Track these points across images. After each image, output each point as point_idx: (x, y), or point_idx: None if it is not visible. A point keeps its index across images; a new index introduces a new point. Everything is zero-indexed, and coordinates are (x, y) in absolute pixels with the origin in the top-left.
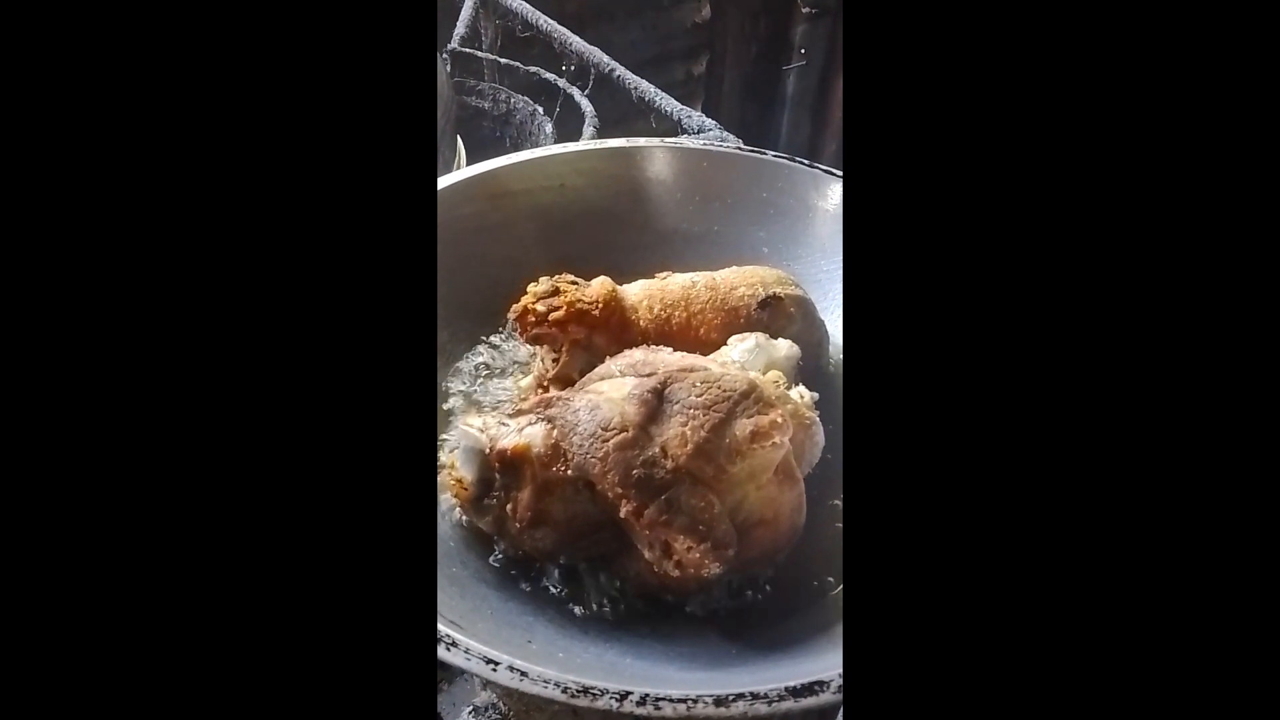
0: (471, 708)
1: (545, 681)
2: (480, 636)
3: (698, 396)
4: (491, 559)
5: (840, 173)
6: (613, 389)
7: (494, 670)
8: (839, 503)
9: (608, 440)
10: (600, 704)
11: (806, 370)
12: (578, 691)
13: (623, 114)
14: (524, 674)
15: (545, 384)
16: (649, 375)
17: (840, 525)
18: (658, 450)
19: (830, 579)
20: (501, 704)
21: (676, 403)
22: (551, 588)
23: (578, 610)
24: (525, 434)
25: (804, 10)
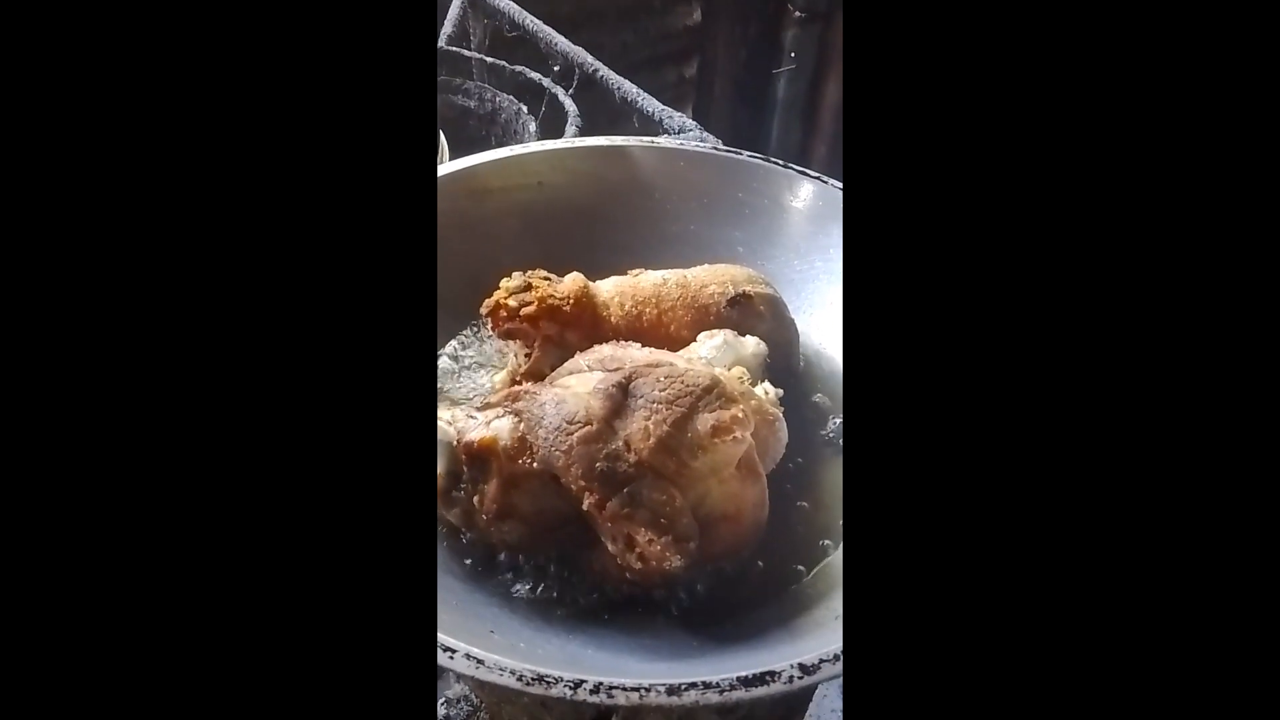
0: (444, 699)
1: (500, 669)
2: (444, 626)
3: (661, 391)
4: (458, 552)
5: (813, 173)
6: (579, 383)
7: (450, 658)
8: (806, 505)
9: (572, 434)
10: (555, 691)
11: (776, 368)
12: (533, 679)
13: (608, 114)
14: (480, 661)
15: (517, 380)
16: (615, 370)
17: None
18: (621, 444)
19: (799, 568)
20: (473, 696)
21: (640, 397)
22: (516, 580)
23: (540, 603)
24: (492, 427)
25: (794, 14)
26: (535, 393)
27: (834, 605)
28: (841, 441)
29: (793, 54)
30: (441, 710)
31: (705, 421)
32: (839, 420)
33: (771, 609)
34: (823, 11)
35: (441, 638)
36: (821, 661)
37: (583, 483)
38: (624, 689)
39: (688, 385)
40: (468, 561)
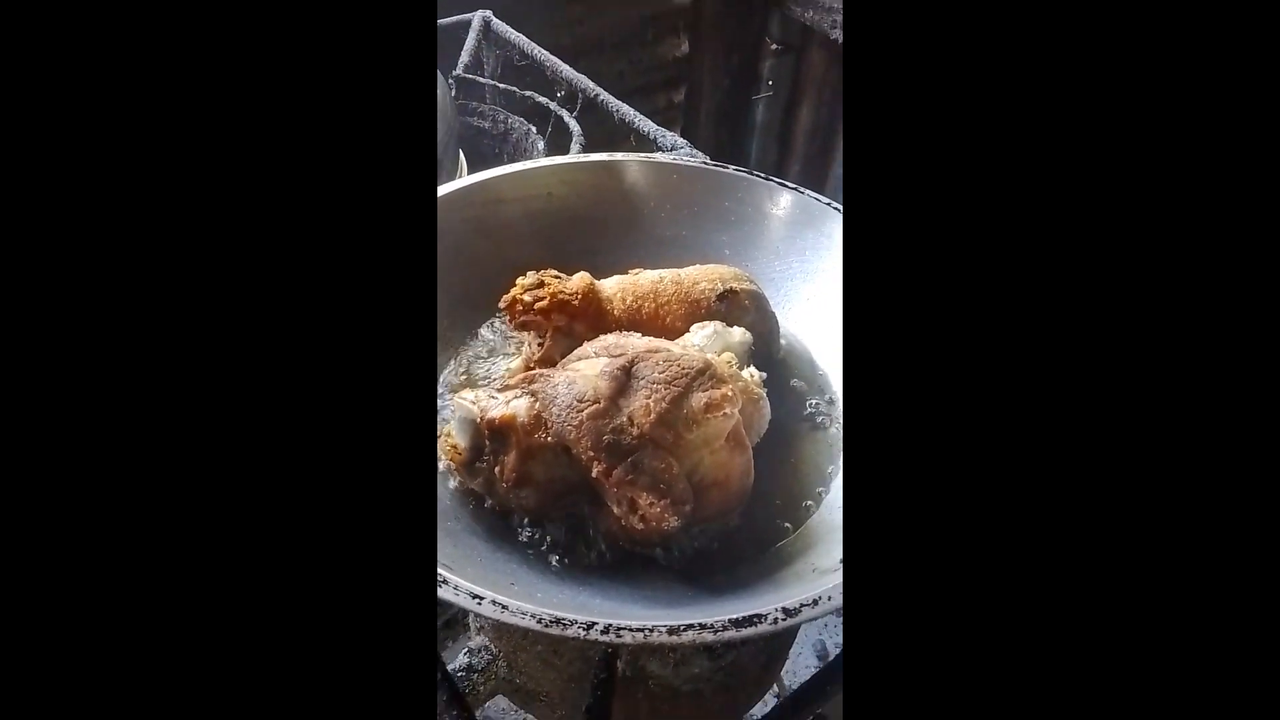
0: (466, 649)
1: (522, 613)
2: (469, 578)
3: (660, 373)
4: (482, 515)
5: (790, 184)
6: (588, 367)
7: (479, 604)
8: (785, 478)
9: (582, 411)
10: (569, 632)
11: (758, 355)
12: (550, 622)
13: (607, 134)
14: (504, 607)
15: (531, 365)
16: (619, 356)
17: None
18: (625, 419)
19: (783, 531)
20: (492, 645)
21: (642, 379)
22: (533, 540)
23: (555, 560)
24: (511, 405)
25: (771, 47)
26: (549, 375)
27: (812, 560)
28: (819, 419)
29: (769, 82)
30: (464, 659)
31: (699, 399)
32: (814, 401)
33: (757, 564)
34: (796, 45)
35: (470, 586)
36: (802, 606)
37: (591, 453)
38: (630, 630)
39: (683, 368)
40: (489, 524)
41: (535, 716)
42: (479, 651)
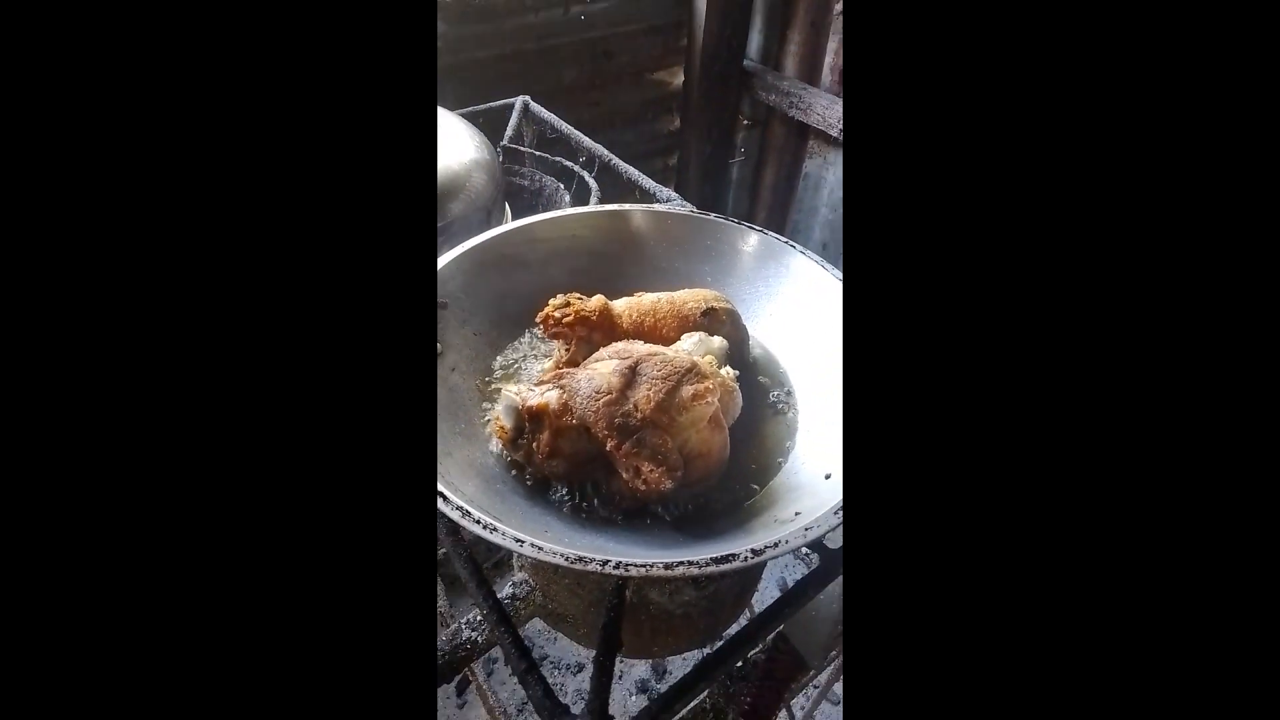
0: (511, 582)
1: (554, 553)
2: (514, 527)
3: (658, 372)
4: (525, 481)
5: (758, 227)
6: (603, 367)
7: (521, 545)
8: (753, 454)
9: (599, 400)
10: (590, 568)
11: (733, 357)
12: (575, 559)
13: (618, 190)
14: (540, 548)
15: (561, 365)
16: (627, 358)
17: (752, 457)
18: (632, 406)
19: (752, 489)
20: (530, 579)
21: (644, 376)
22: (562, 499)
23: (580, 512)
24: (545, 396)
25: (743, 122)
26: (574, 373)
27: (774, 514)
28: (780, 406)
29: (742, 149)
30: (509, 589)
31: (687, 391)
32: (776, 392)
33: (732, 517)
34: (762, 120)
35: (514, 532)
36: (766, 547)
37: (606, 433)
38: (635, 565)
39: (676, 367)
40: (528, 486)
41: (564, 633)
42: (520, 584)
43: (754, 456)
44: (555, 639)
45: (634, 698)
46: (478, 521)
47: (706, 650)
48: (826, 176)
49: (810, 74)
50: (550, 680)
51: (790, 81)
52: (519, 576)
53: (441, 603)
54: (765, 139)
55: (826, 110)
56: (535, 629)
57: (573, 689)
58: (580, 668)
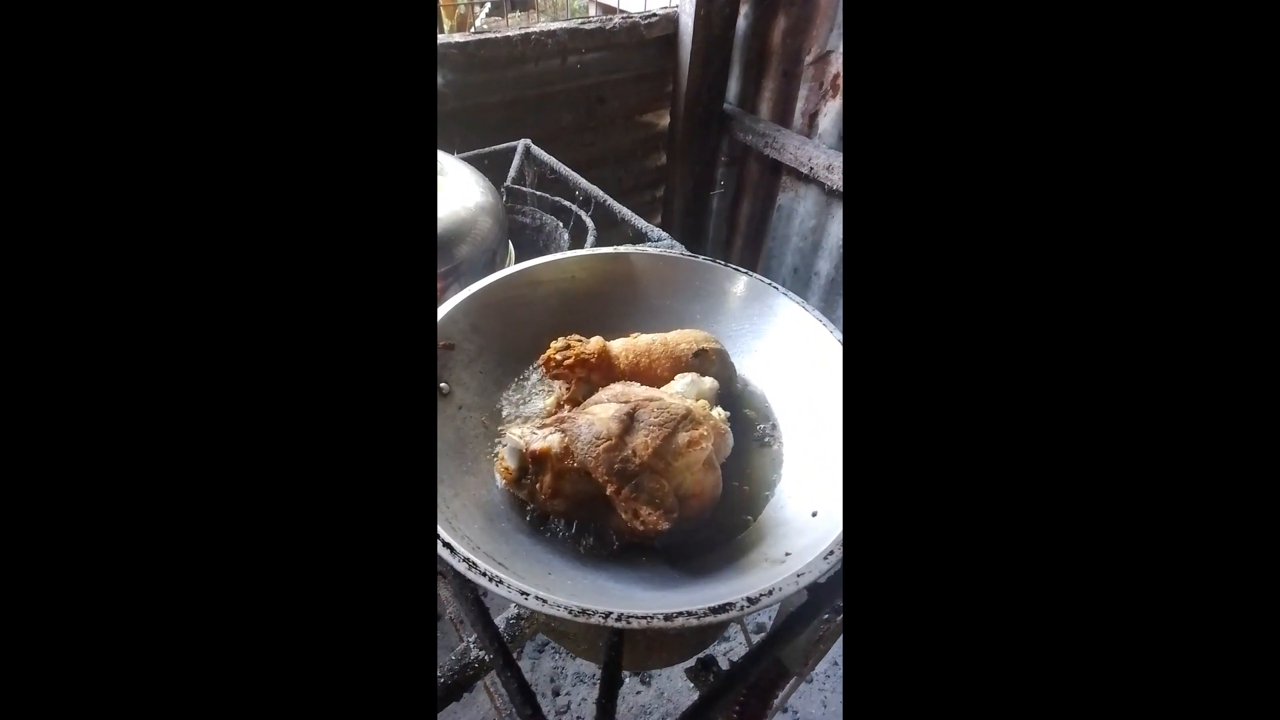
0: (517, 608)
1: (558, 606)
2: (517, 572)
3: (655, 418)
4: (526, 517)
5: (743, 269)
6: (602, 411)
7: (525, 598)
8: (742, 485)
9: (599, 446)
10: (594, 620)
11: (723, 396)
12: (578, 612)
13: (612, 229)
14: (543, 600)
15: (561, 404)
16: (626, 403)
17: (741, 488)
18: (630, 452)
19: (740, 524)
20: None
21: (642, 422)
22: (563, 536)
23: (580, 548)
24: (547, 439)
25: (722, 159)
26: (574, 417)
27: (765, 550)
28: (766, 440)
29: (721, 184)
30: (514, 608)
31: (683, 438)
32: (762, 426)
33: (724, 551)
34: (740, 158)
35: (518, 584)
36: (760, 596)
37: (606, 478)
38: (636, 617)
39: (672, 414)
40: (531, 524)
41: (566, 648)
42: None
43: (742, 490)
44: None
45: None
46: (484, 574)
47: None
48: (797, 209)
49: (783, 117)
50: (555, 684)
51: (765, 124)
52: None
53: (451, 613)
54: (743, 174)
55: (798, 150)
56: (539, 643)
57: (578, 698)
58: (581, 678)
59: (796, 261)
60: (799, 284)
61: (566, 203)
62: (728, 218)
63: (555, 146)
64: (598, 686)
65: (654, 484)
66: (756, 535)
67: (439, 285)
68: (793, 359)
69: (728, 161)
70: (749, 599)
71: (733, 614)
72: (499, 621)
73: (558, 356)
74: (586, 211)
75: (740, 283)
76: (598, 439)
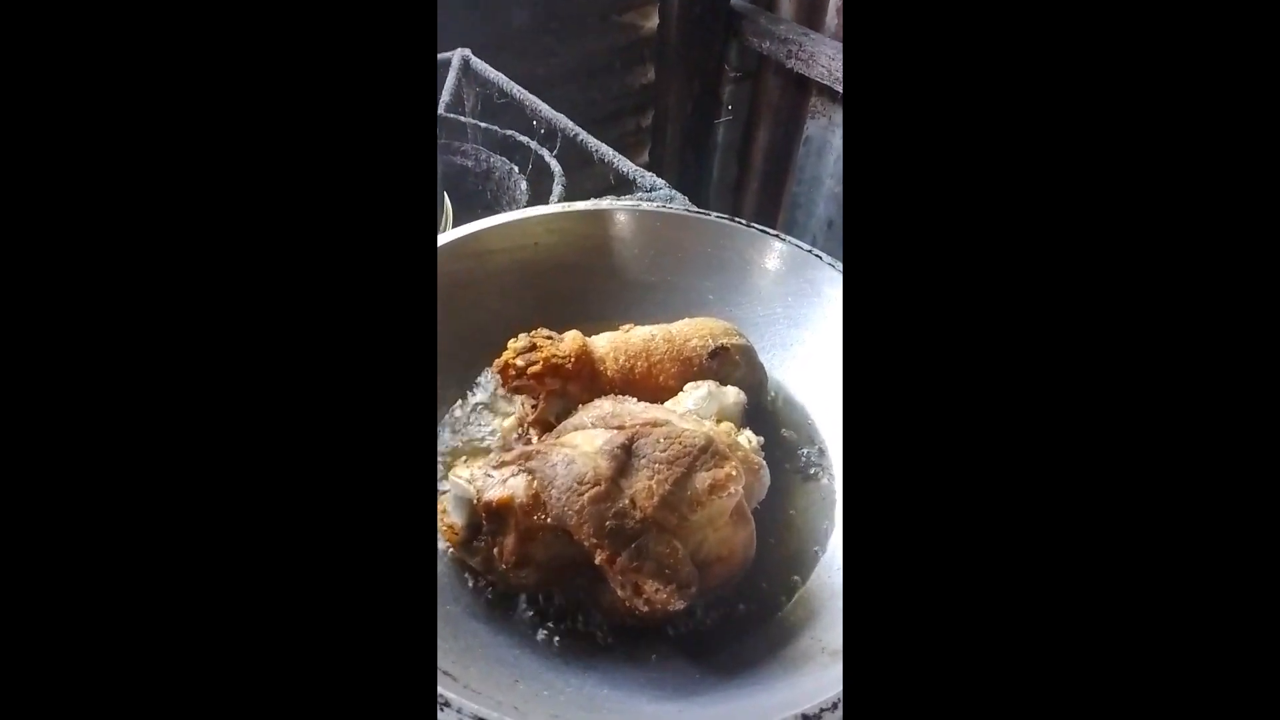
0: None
1: None
2: (473, 684)
3: (662, 452)
4: (483, 594)
5: (773, 231)
6: (585, 442)
7: None
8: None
9: (583, 494)
10: None
11: (749, 409)
12: None
13: (586, 173)
14: None
15: (525, 426)
16: (618, 429)
17: (781, 544)
18: (627, 502)
19: (781, 598)
20: None
21: (643, 458)
22: (534, 619)
23: (559, 641)
24: (508, 485)
25: (730, 74)
26: (545, 452)
27: (817, 634)
28: (812, 471)
29: (729, 106)
30: None
31: (703, 480)
32: (805, 451)
33: (762, 635)
34: (754, 71)
35: (475, 709)
36: (823, 711)
37: (594, 540)
38: None
39: (685, 446)
40: (489, 604)
41: None
42: None
43: (782, 543)
44: None
45: None
46: None
47: None
48: (832, 140)
49: (811, 16)
50: None
51: (788, 25)
52: None
53: None
54: (758, 94)
55: (832, 61)
56: None
57: None
58: None
59: (831, 212)
60: (833, 242)
61: (522, 137)
62: (738, 153)
63: (505, 58)
64: None
65: (662, 548)
66: (806, 610)
67: None
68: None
69: (738, 77)
70: (805, 717)
71: None
72: None
73: (519, 362)
74: (550, 149)
75: (772, 251)
76: (580, 483)
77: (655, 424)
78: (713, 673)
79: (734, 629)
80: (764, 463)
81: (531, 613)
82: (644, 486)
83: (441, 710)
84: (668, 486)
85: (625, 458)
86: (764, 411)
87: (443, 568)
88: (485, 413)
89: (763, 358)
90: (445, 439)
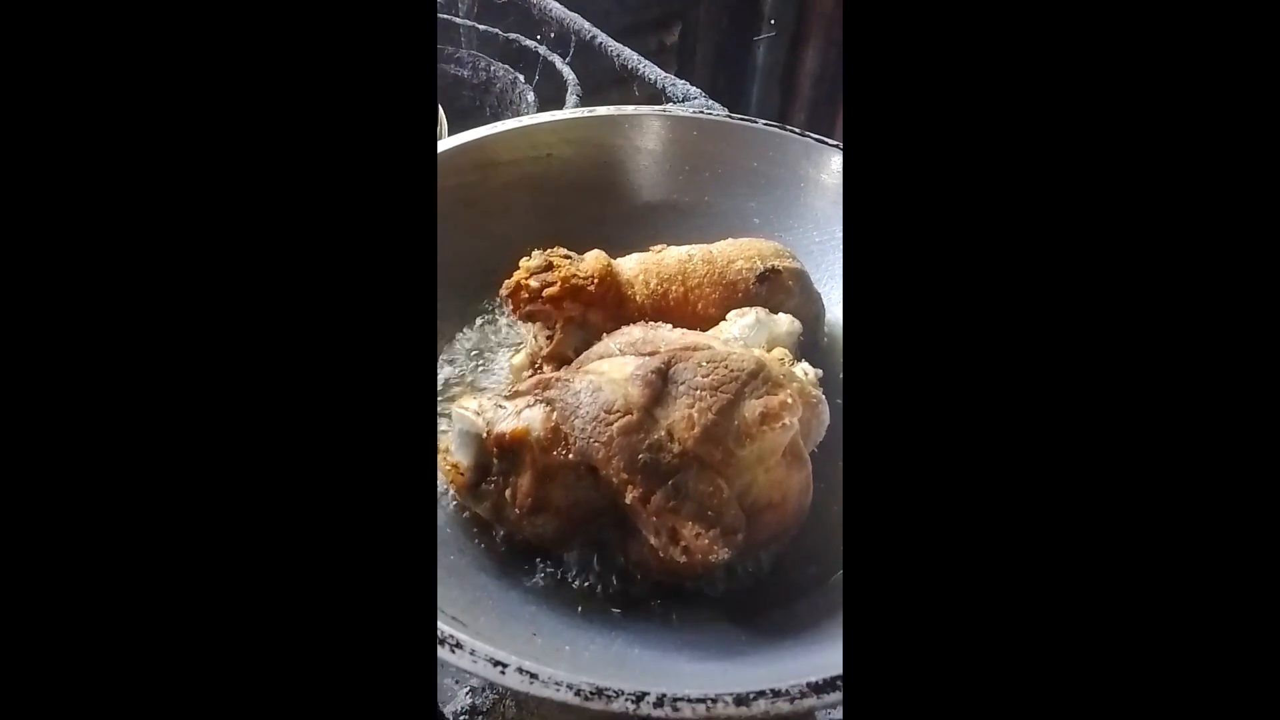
0: (469, 689)
1: (557, 684)
2: (484, 633)
3: (704, 377)
4: (491, 546)
5: (833, 142)
6: (614, 369)
7: (502, 673)
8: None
9: (611, 424)
10: (616, 706)
11: (804, 344)
12: (591, 693)
13: (606, 82)
14: (534, 676)
15: (539, 362)
16: (651, 354)
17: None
18: (664, 434)
19: (835, 560)
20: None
21: (682, 384)
22: (554, 575)
23: (582, 597)
24: (524, 417)
25: None
26: (567, 380)
27: None
28: None
29: (772, 20)
30: (467, 700)
31: (753, 408)
32: None
33: (818, 597)
34: None
35: (490, 650)
36: None
37: (624, 475)
38: (689, 700)
39: (732, 370)
40: (500, 557)
41: None
42: (482, 690)
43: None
44: None
45: None
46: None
47: None
48: None
49: None
50: None
51: None
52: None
53: None
54: (805, 5)
55: None
56: None
57: None
58: None
59: None
60: None
61: (528, 42)
62: (781, 77)
63: None
64: None
65: (705, 486)
66: None
67: None
68: None
69: None
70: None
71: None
72: (447, 715)
73: (533, 283)
74: (563, 55)
75: (830, 165)
76: (608, 413)
77: (695, 347)
78: (760, 635)
79: (786, 591)
80: (823, 398)
81: (549, 568)
82: (683, 416)
83: (453, 652)
84: (711, 416)
85: (661, 384)
86: (819, 350)
87: (442, 517)
88: (491, 352)
89: (820, 289)
90: (446, 375)
